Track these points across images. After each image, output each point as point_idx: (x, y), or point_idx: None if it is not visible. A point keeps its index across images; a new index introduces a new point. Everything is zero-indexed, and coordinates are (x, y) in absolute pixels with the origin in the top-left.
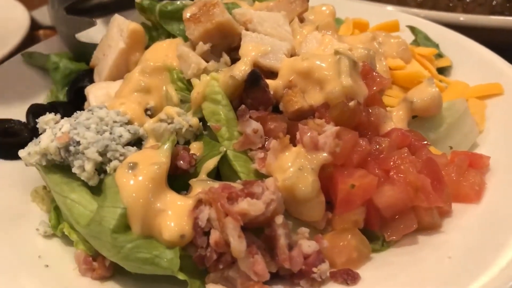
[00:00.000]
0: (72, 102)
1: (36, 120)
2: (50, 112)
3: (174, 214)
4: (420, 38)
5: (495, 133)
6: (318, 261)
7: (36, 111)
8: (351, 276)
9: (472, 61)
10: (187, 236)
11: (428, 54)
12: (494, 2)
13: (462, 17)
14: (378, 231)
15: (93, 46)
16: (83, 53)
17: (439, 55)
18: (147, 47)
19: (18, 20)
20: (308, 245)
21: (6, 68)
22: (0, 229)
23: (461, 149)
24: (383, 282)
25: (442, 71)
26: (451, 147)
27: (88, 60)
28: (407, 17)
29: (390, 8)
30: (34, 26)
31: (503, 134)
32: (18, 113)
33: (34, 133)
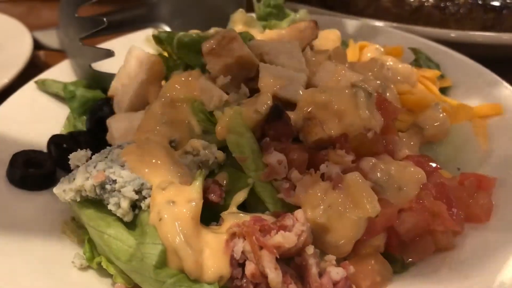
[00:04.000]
0: (92, 131)
1: (68, 156)
2: (71, 143)
3: (212, 253)
4: (422, 59)
5: (497, 152)
6: (346, 287)
7: (58, 141)
8: None
9: (470, 80)
10: (225, 276)
11: (431, 76)
12: (485, 17)
13: (453, 34)
14: (397, 254)
15: (109, 75)
16: (99, 81)
17: (441, 76)
18: (165, 78)
19: (21, 42)
20: (336, 272)
21: (20, 96)
22: (36, 261)
23: (468, 170)
24: None
25: (443, 91)
26: (459, 169)
27: (103, 88)
28: (402, 35)
29: (380, 23)
30: (35, 46)
31: (505, 153)
32: (37, 142)
33: (57, 164)
